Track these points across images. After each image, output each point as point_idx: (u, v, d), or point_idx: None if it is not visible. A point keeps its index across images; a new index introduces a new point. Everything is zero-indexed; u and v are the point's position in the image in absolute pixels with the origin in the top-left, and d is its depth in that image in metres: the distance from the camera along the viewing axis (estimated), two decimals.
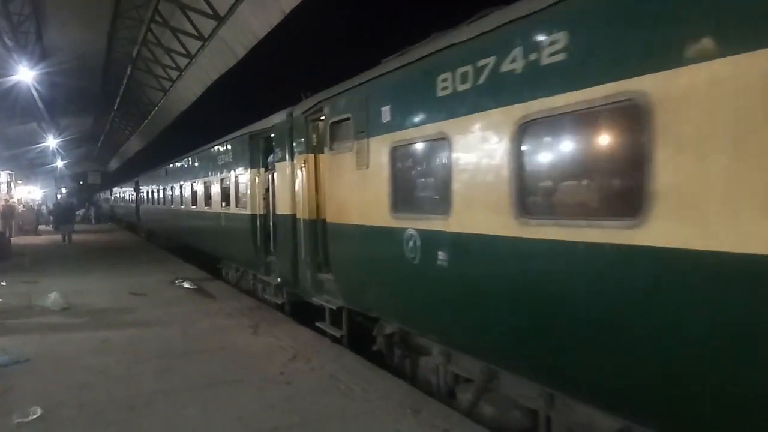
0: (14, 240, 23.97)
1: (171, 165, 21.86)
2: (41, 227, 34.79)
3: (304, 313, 9.67)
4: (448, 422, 5.16)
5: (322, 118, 8.17)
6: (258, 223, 11.41)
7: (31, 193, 45.67)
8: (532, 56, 4.26)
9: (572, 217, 4.13)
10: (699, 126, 3.21)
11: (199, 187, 16.66)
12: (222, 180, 14.13)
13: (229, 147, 13.56)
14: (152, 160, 33.08)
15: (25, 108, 28.20)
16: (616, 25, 3.72)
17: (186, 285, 13.16)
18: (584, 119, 4.03)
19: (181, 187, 19.58)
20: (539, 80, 4.22)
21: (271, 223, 10.95)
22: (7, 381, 6.50)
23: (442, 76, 5.32)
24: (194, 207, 17.37)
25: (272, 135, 10.55)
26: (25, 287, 12.95)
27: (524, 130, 4.43)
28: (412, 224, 5.89)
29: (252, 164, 11.67)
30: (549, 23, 4.14)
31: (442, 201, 5.41)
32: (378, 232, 6.56)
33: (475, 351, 5.65)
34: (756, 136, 2.95)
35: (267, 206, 11.18)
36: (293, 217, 9.37)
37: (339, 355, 7.35)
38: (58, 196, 51.22)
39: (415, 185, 6.36)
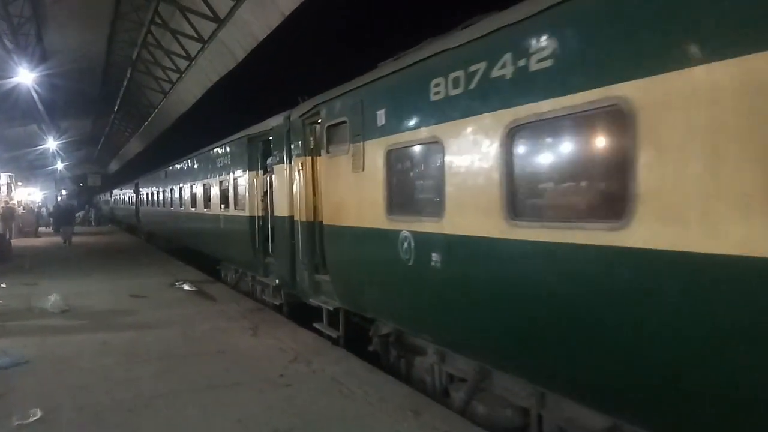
0: (14, 242, 23.93)
1: (170, 167, 21.90)
2: (41, 229, 34.79)
3: (302, 314, 9.70)
4: (448, 424, 5.15)
5: (319, 121, 8.25)
6: (256, 225, 11.45)
7: (31, 195, 45.68)
8: (521, 62, 4.37)
9: (559, 219, 4.25)
10: (678, 131, 3.30)
11: (199, 190, 16.71)
12: (221, 182, 14.18)
13: (228, 149, 13.61)
14: (152, 162, 33.11)
15: (25, 110, 28.25)
16: (600, 32, 3.82)
17: (186, 287, 13.15)
18: (570, 124, 4.14)
19: (180, 189, 19.64)
20: (528, 86, 4.34)
21: (269, 225, 11.00)
22: (7, 383, 6.50)
23: (435, 81, 5.41)
24: (193, 209, 17.42)
25: (270, 138, 10.61)
26: (25, 289, 12.94)
27: (513, 134, 4.54)
28: (406, 226, 5.97)
29: (250, 167, 11.73)
30: (536, 31, 4.25)
31: (436, 203, 5.49)
32: (373, 233, 6.64)
33: (467, 350, 5.74)
34: (730, 142, 3.04)
35: (265, 208, 11.23)
36: (291, 219, 9.43)
37: (340, 357, 7.35)
38: (58, 198, 51.37)
39: (410, 188, 6.44)
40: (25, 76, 21.73)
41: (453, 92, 5.17)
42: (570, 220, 4.11)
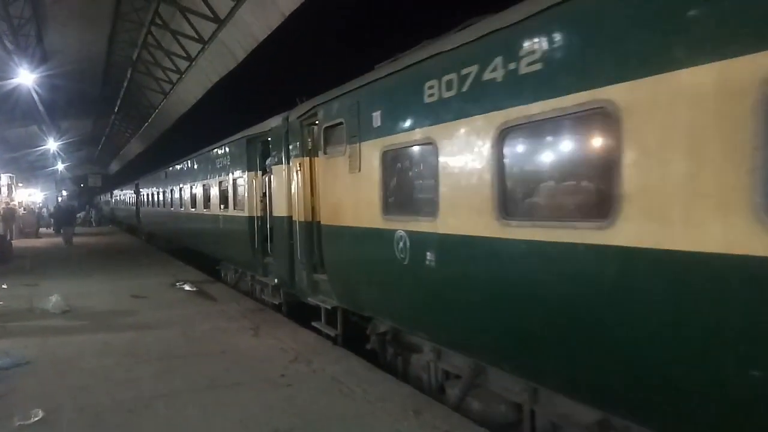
0: (15, 243, 23.95)
1: (170, 168, 21.94)
2: (42, 230, 34.80)
3: (301, 313, 9.74)
4: (449, 424, 5.16)
5: (317, 122, 8.33)
6: (255, 225, 11.52)
7: (31, 196, 45.75)
8: (512, 65, 4.47)
9: (549, 218, 4.36)
10: (660, 133, 3.40)
11: (198, 190, 16.75)
12: (220, 183, 14.24)
13: (227, 150, 13.66)
14: (152, 163, 33.14)
15: (25, 111, 28.28)
16: (586, 37, 3.92)
17: (187, 287, 13.17)
18: (559, 126, 4.25)
19: (180, 189, 19.68)
20: (518, 88, 4.44)
21: (268, 225, 11.05)
22: (9, 383, 6.51)
23: (428, 83, 5.51)
24: (193, 209, 17.46)
25: (269, 139, 10.66)
26: (26, 290, 12.96)
27: (505, 135, 4.64)
28: (401, 226, 6.06)
29: (249, 167, 11.79)
30: (526, 35, 4.35)
31: (430, 203, 5.59)
32: (369, 233, 6.73)
33: (461, 347, 5.84)
34: (710, 143, 3.13)
35: (264, 208, 11.29)
36: (289, 219, 9.50)
37: (340, 356, 7.36)
38: (59, 199, 51.40)
39: (405, 188, 6.53)
40: (26, 77, 21.75)
41: (446, 94, 5.27)
42: (559, 220, 4.22)
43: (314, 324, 8.78)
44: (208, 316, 10.08)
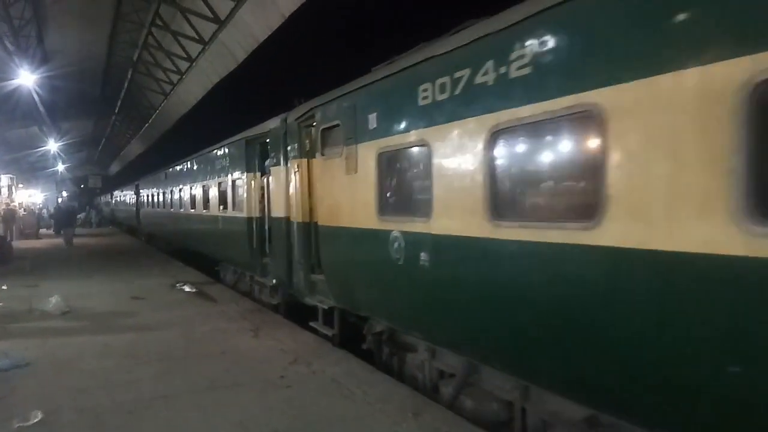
0: (15, 244, 23.96)
1: (170, 169, 21.96)
2: (42, 231, 34.80)
3: (298, 313, 9.78)
4: (448, 425, 5.16)
5: (314, 124, 8.41)
6: (254, 226, 11.57)
7: (32, 197, 45.77)
8: (502, 69, 4.57)
9: (538, 219, 4.46)
10: (643, 136, 3.51)
11: (198, 191, 16.79)
12: (219, 184, 14.30)
13: (227, 151, 13.72)
14: (153, 164, 33.12)
15: (26, 112, 28.29)
16: (573, 42, 4.02)
17: (187, 288, 13.17)
18: (547, 129, 4.35)
19: (180, 190, 19.72)
20: (508, 92, 4.54)
21: (266, 226, 11.10)
22: (8, 385, 6.51)
23: (423, 86, 5.61)
24: (193, 210, 17.50)
25: (267, 140, 10.71)
26: (26, 291, 12.96)
27: (496, 138, 4.74)
28: (397, 227, 6.14)
29: (248, 168, 11.84)
30: (516, 40, 4.44)
31: (424, 204, 5.67)
32: (365, 234, 6.81)
33: (455, 346, 5.92)
34: (690, 146, 3.24)
35: (263, 209, 11.34)
36: (287, 220, 9.56)
37: (340, 358, 7.36)
38: (59, 200, 51.40)
39: (400, 189, 6.61)
40: (26, 78, 21.77)
41: (440, 97, 5.37)
42: (548, 220, 4.32)
43: (311, 324, 8.83)
44: (208, 317, 10.08)
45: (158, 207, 25.07)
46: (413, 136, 5.84)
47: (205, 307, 11.22)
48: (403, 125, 6.02)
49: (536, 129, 4.41)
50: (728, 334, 3.13)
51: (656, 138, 3.42)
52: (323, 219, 8.11)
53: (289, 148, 9.45)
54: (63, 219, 28.62)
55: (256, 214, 11.52)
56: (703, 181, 3.17)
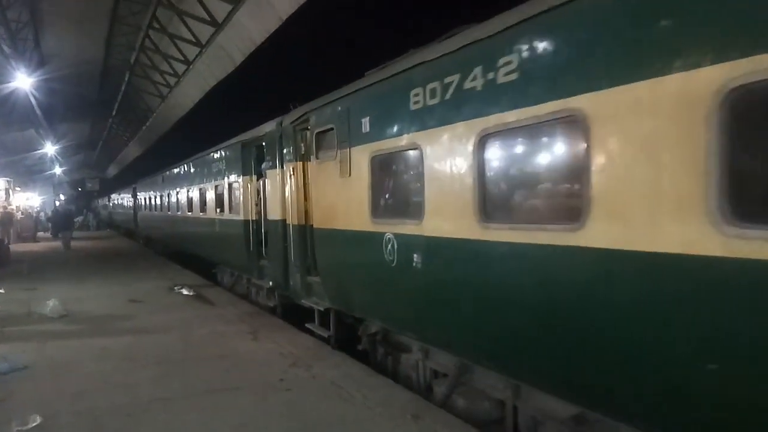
0: (13, 247, 23.92)
1: (167, 172, 21.95)
2: (40, 234, 34.73)
3: (295, 315, 9.82)
4: (448, 428, 5.16)
5: (309, 128, 8.48)
6: (251, 229, 11.62)
7: (29, 200, 45.60)
8: (490, 75, 4.68)
9: (525, 221, 4.56)
10: (624, 140, 3.63)
11: (195, 194, 16.82)
12: (216, 187, 14.34)
13: (223, 155, 13.77)
14: (150, 167, 33.05)
15: (23, 115, 28.22)
16: (557, 48, 4.13)
17: (185, 291, 13.17)
18: (534, 133, 4.46)
19: (177, 193, 19.74)
20: (496, 97, 4.65)
21: (263, 229, 11.14)
22: (6, 389, 6.49)
23: (414, 91, 5.71)
24: (190, 213, 17.52)
25: (263, 143, 10.76)
26: (24, 294, 12.93)
27: (484, 142, 4.84)
28: (390, 229, 6.22)
29: (244, 171, 11.89)
30: (503, 46, 4.55)
31: (416, 207, 5.77)
32: (359, 236, 6.89)
33: (447, 346, 6.02)
34: (668, 150, 3.35)
35: (259, 212, 11.36)
36: (283, 223, 9.62)
37: (339, 361, 7.35)
38: (57, 203, 51.26)
39: (393, 192, 6.70)
40: (23, 81, 21.74)
41: (430, 102, 5.47)
42: (534, 222, 4.42)
43: (308, 326, 8.91)
44: (206, 320, 10.07)
45: (155, 210, 25.06)
46: (405, 139, 5.93)
47: (203, 310, 11.21)
48: (395, 129, 6.11)
49: (523, 133, 4.53)
50: (707, 333, 3.23)
51: (636, 142, 3.54)
52: (318, 221, 8.20)
53: (284, 151, 9.52)
54: (60, 222, 28.56)
55: (252, 216, 11.56)
56: (680, 184, 3.27)
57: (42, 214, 45.28)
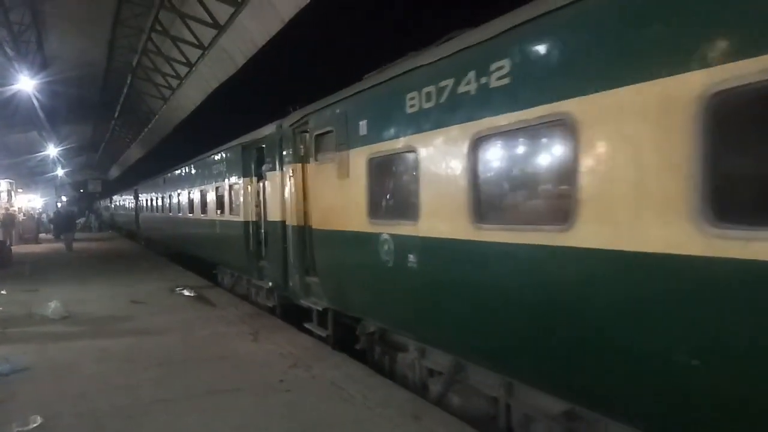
0: (15, 248, 23.94)
1: (168, 174, 22.04)
2: (42, 236, 34.78)
3: (294, 315, 9.88)
4: (448, 429, 5.17)
5: (308, 130, 8.56)
6: (251, 230, 11.72)
7: (31, 202, 45.70)
8: (483, 80, 4.79)
9: (517, 222, 4.65)
10: (610, 143, 3.75)
11: (195, 195, 16.93)
12: (217, 188, 14.45)
13: (224, 157, 13.87)
14: (152, 169, 33.11)
15: (25, 117, 28.30)
16: (547, 54, 4.24)
17: (186, 292, 13.19)
18: (525, 136, 4.58)
19: (178, 195, 19.84)
20: (489, 101, 4.76)
21: (262, 230, 11.23)
22: (7, 390, 6.51)
23: (410, 95, 5.83)
24: (191, 214, 17.61)
25: (263, 145, 10.86)
26: (26, 296, 12.96)
27: (478, 145, 4.95)
28: (386, 230, 6.31)
29: (245, 173, 11.99)
30: (495, 51, 4.67)
31: (412, 208, 5.87)
32: (357, 237, 6.98)
33: (442, 345, 6.10)
34: (652, 153, 3.46)
35: (259, 213, 11.45)
36: (283, 224, 9.71)
37: (339, 362, 7.36)
38: (59, 205, 51.32)
39: (389, 194, 6.76)
40: (26, 83, 21.80)
41: (426, 105, 5.57)
42: (526, 223, 4.51)
43: (306, 325, 8.99)
44: (207, 322, 10.09)
45: (157, 211, 25.15)
46: (401, 142, 6.03)
47: (204, 311, 11.23)
48: (391, 132, 6.21)
49: (515, 136, 4.64)
50: (689, 331, 3.31)
51: (622, 145, 3.64)
52: (317, 222, 8.27)
53: (284, 153, 9.60)
54: (62, 224, 28.57)
55: (252, 218, 11.65)
56: (664, 186, 3.37)
57: (44, 215, 45.35)
